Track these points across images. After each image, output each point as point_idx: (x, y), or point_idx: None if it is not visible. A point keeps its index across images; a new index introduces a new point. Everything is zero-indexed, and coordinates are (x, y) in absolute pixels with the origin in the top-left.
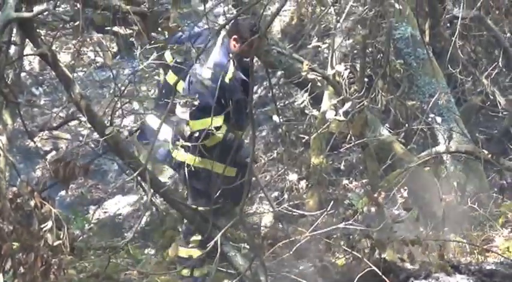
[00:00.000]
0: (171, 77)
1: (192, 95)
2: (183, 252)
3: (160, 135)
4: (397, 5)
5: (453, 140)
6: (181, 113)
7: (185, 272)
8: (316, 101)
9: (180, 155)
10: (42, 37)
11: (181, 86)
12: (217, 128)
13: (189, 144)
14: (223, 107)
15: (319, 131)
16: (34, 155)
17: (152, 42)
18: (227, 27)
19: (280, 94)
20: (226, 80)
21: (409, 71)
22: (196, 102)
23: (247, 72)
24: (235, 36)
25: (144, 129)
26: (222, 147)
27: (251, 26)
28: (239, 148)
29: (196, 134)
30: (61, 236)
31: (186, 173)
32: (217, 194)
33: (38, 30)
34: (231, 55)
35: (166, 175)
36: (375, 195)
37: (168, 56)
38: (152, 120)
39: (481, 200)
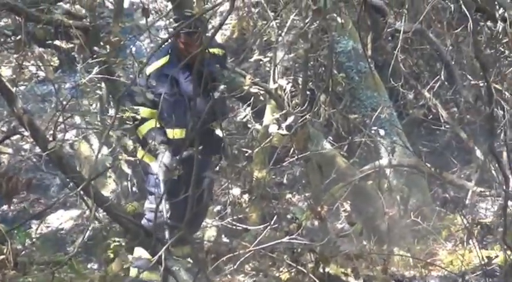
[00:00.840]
0: None
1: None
2: (136, 252)
3: None
4: (339, 19)
5: (396, 154)
6: None
7: (134, 272)
8: (258, 115)
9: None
10: None
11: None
12: (143, 120)
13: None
14: (152, 102)
15: (261, 145)
16: None
17: (94, 56)
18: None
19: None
20: (153, 68)
21: (351, 85)
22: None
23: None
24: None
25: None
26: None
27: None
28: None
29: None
30: (4, 251)
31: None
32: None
33: None
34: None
35: (108, 189)
36: (318, 209)
37: None
38: None
39: (424, 214)
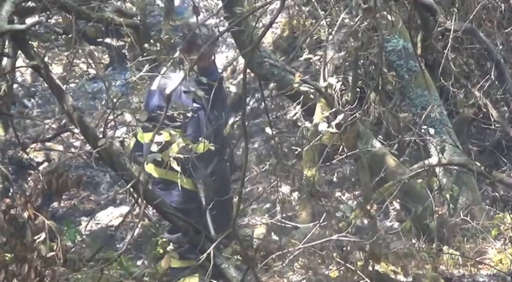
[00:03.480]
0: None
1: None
2: (177, 263)
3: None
4: (389, 17)
5: (445, 152)
6: None
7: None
8: (308, 113)
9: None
10: (35, 49)
11: None
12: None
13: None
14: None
15: (311, 143)
16: (27, 167)
17: (144, 54)
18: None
19: (273, 106)
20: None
21: (401, 83)
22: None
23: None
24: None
25: (139, 142)
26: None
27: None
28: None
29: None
30: (54, 248)
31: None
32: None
33: (30, 42)
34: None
35: None
36: (368, 207)
37: None
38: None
39: (473, 213)
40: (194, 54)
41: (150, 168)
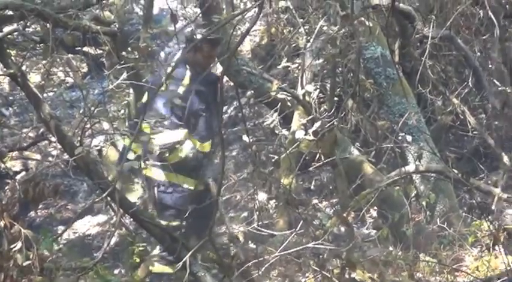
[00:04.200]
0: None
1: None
2: (158, 268)
3: None
4: (367, 24)
5: (423, 160)
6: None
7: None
8: (286, 121)
9: (149, 171)
10: (12, 57)
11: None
12: (180, 143)
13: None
14: (182, 119)
15: (288, 151)
16: (4, 176)
17: (122, 62)
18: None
19: (250, 114)
20: (180, 89)
21: (379, 91)
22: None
23: (212, 88)
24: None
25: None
26: (187, 164)
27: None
28: (205, 165)
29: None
30: (30, 257)
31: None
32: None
33: (7, 51)
34: (187, 66)
35: (135, 195)
36: (345, 214)
37: None
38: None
39: (450, 220)
40: (198, 56)
41: (153, 171)
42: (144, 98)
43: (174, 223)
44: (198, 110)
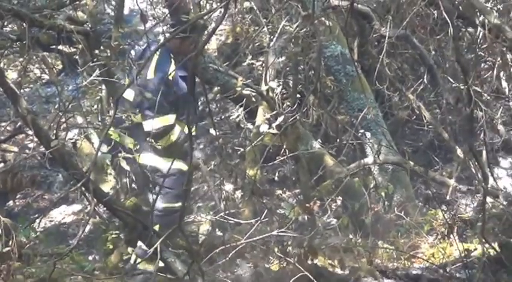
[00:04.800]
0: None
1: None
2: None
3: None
4: (327, 24)
5: (381, 152)
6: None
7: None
8: (250, 116)
9: (147, 159)
10: None
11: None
12: (171, 127)
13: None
14: (172, 105)
15: (253, 144)
16: None
17: (95, 60)
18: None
19: (217, 109)
20: (171, 77)
21: (339, 87)
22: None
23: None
24: None
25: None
26: (177, 147)
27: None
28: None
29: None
30: (9, 244)
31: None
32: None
33: None
34: (171, 55)
35: (108, 185)
36: (307, 204)
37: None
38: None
39: (407, 209)
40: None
41: (148, 158)
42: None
43: (177, 205)
44: (186, 95)
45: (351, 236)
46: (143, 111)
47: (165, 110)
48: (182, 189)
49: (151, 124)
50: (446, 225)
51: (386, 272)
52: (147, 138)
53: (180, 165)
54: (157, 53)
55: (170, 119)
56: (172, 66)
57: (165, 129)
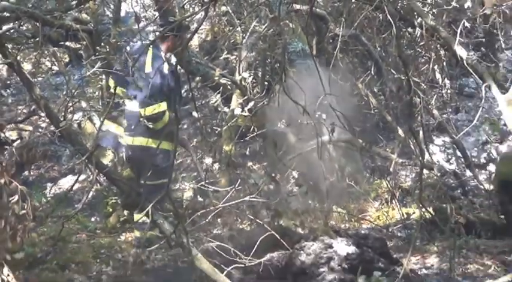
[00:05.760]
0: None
1: (137, 90)
2: (136, 217)
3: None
4: (291, 25)
5: (335, 132)
6: (132, 106)
7: (137, 234)
8: (226, 101)
9: (138, 140)
10: (9, 50)
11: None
12: (163, 113)
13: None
14: (165, 94)
15: (229, 124)
16: (3, 143)
17: (97, 54)
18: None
19: (198, 95)
20: (165, 70)
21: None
22: (141, 94)
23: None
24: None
25: (106, 135)
26: (167, 129)
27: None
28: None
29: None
30: (25, 207)
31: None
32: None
33: (5, 45)
34: (163, 53)
35: (108, 159)
36: (273, 175)
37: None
38: (111, 127)
39: (357, 179)
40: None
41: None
42: (111, 84)
43: (165, 180)
44: (174, 87)
45: (309, 202)
46: (146, 99)
47: (162, 97)
48: (167, 165)
49: (152, 109)
50: (389, 192)
51: (339, 231)
52: (143, 122)
53: (167, 145)
54: (150, 49)
55: (163, 106)
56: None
57: (163, 113)
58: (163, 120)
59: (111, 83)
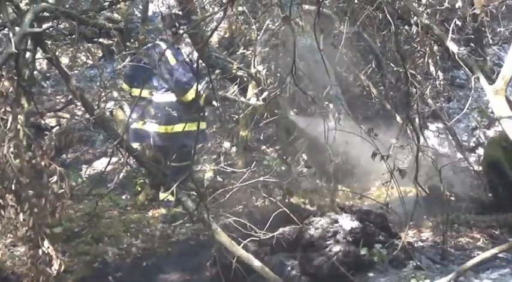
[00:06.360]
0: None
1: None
2: (162, 196)
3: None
4: (300, 22)
5: (340, 119)
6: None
7: (163, 211)
8: (243, 91)
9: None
10: (49, 46)
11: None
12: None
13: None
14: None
15: (245, 112)
16: (43, 129)
17: (127, 49)
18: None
19: (218, 86)
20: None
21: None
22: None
23: None
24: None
25: (132, 133)
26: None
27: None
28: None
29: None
30: (63, 187)
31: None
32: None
33: (45, 41)
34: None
35: (136, 143)
36: (285, 157)
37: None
38: (136, 125)
39: (360, 161)
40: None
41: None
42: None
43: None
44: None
45: (317, 182)
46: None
47: (191, 84)
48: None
49: (192, 94)
50: (389, 173)
51: (344, 208)
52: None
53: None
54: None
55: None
56: (184, 55)
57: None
58: (202, 99)
59: (125, 86)
